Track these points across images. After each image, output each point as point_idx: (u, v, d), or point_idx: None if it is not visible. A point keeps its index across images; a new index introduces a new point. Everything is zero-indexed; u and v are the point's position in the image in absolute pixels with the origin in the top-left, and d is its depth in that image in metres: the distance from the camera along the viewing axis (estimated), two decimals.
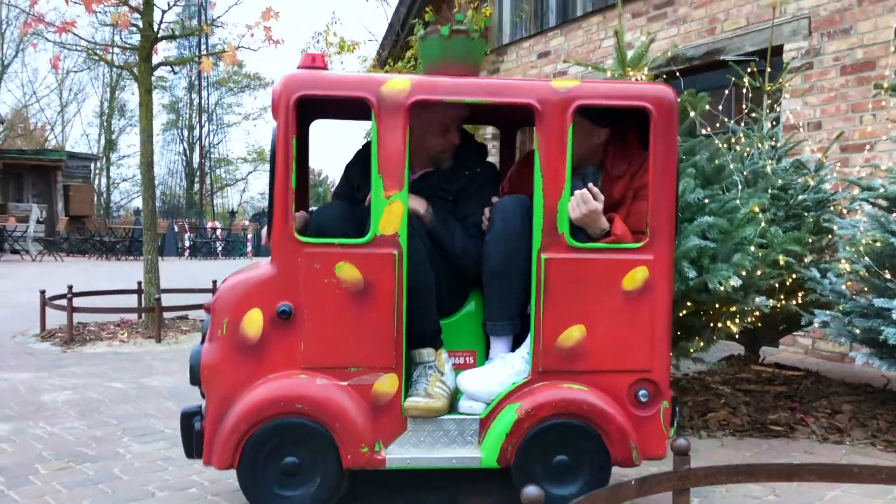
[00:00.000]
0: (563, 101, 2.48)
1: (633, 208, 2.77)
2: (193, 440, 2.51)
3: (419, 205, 2.68)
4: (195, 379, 2.49)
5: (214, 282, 8.22)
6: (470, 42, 2.37)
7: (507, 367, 2.57)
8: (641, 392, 2.53)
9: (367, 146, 3.00)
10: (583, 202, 2.51)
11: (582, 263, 2.50)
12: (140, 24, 6.79)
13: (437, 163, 2.88)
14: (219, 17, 8.12)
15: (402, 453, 2.48)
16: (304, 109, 2.52)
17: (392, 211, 2.44)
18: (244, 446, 2.42)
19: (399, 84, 2.45)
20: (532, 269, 2.51)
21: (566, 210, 2.50)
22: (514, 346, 2.68)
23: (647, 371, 2.53)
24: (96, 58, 8.40)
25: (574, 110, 2.48)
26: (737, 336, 4.30)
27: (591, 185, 2.55)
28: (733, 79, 4.63)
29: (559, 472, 2.50)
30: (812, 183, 4.21)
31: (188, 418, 2.55)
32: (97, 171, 35.23)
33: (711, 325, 3.73)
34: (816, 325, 3.99)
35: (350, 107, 2.93)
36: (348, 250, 2.44)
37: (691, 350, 3.78)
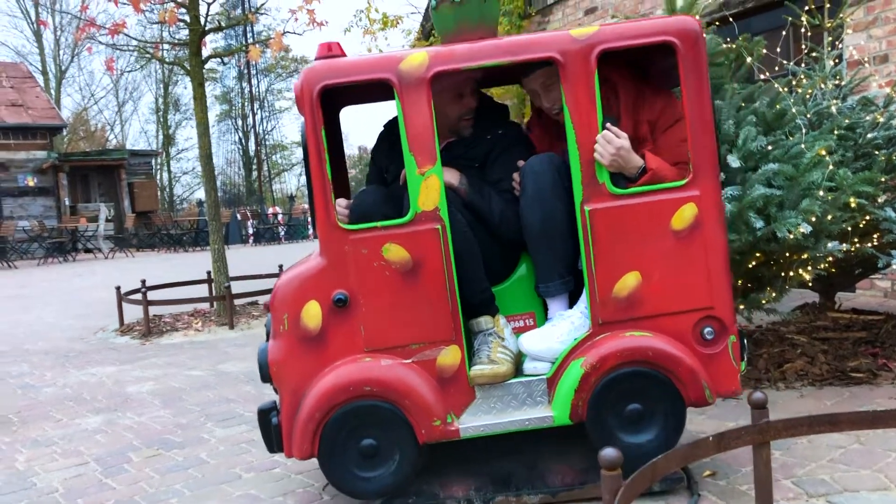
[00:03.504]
0: (584, 49, 2.43)
1: (660, 143, 2.66)
2: (273, 435, 2.58)
3: (453, 177, 2.66)
4: (265, 376, 2.55)
5: (280, 266, 8.38)
6: (483, 4, 2.33)
7: (565, 323, 2.56)
8: (706, 329, 2.49)
9: (387, 128, 2.99)
10: (607, 143, 2.44)
11: (627, 210, 2.46)
12: (187, 18, 6.90)
13: (458, 131, 2.83)
14: (262, 5, 8.19)
15: (474, 421, 2.50)
16: (330, 99, 2.52)
17: (429, 186, 2.45)
18: (321, 434, 2.47)
19: (417, 59, 2.43)
20: (577, 223, 2.48)
21: None
22: (572, 303, 2.66)
23: (709, 308, 2.49)
24: (148, 55, 8.58)
25: (597, 56, 2.43)
26: (810, 284, 4.18)
27: (608, 124, 2.48)
28: (790, 19, 4.45)
29: (634, 421, 2.49)
30: (881, 119, 4.03)
31: (265, 414, 2.61)
32: (158, 167, 36.16)
33: (783, 274, 3.63)
34: (895, 266, 3.86)
35: (374, 89, 2.92)
36: (392, 231, 2.46)
37: (763, 301, 3.69)
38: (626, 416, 2.48)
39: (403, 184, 2.54)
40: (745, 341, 2.63)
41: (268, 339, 2.61)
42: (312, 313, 2.49)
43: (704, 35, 2.51)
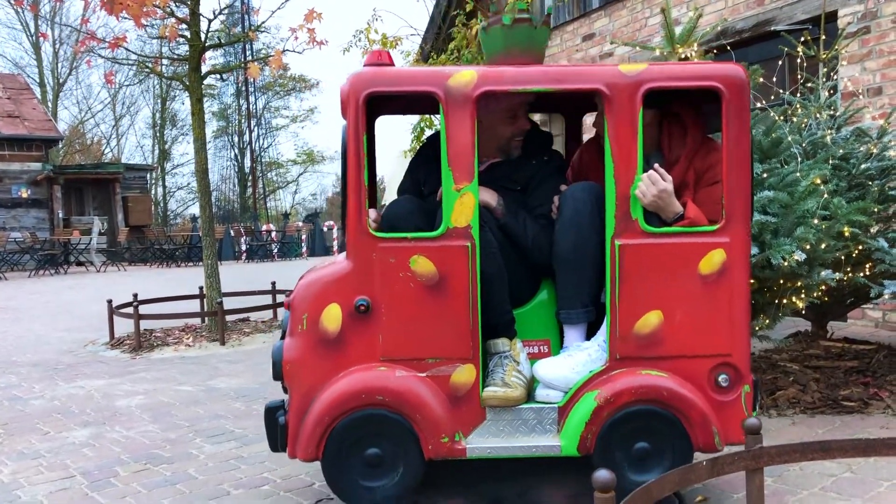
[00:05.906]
0: (632, 85, 2.44)
1: (700, 197, 2.67)
2: (278, 434, 2.57)
3: (490, 197, 2.66)
4: (278, 374, 2.54)
5: (273, 283, 8.37)
6: (533, 30, 2.37)
7: (582, 354, 2.56)
8: (722, 376, 2.49)
9: (430, 141, 3.00)
10: (651, 184, 2.46)
11: (657, 248, 2.46)
12: (188, 34, 6.93)
13: (507, 152, 2.84)
14: (263, 23, 8.23)
15: (481, 443, 2.49)
16: (369, 106, 2.53)
17: (463, 203, 2.45)
18: (328, 439, 2.47)
19: (465, 76, 2.44)
20: (606, 256, 2.49)
21: None
22: (589, 334, 2.66)
23: (726, 355, 2.49)
24: (147, 70, 8.61)
25: (644, 94, 2.44)
26: (803, 312, 4.19)
27: (656, 165, 2.51)
28: (786, 49, 4.51)
29: (641, 459, 2.48)
30: (875, 150, 4.07)
31: (272, 412, 2.61)
32: (153, 181, 36.13)
33: (776, 301, 3.65)
34: (886, 296, 3.87)
35: (416, 101, 2.93)
36: (422, 244, 2.46)
37: (757, 328, 3.70)
38: (633, 453, 2.48)
39: (440, 200, 2.55)
40: (759, 392, 2.62)
41: (283, 338, 2.60)
42: (333, 316, 2.49)
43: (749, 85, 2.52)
